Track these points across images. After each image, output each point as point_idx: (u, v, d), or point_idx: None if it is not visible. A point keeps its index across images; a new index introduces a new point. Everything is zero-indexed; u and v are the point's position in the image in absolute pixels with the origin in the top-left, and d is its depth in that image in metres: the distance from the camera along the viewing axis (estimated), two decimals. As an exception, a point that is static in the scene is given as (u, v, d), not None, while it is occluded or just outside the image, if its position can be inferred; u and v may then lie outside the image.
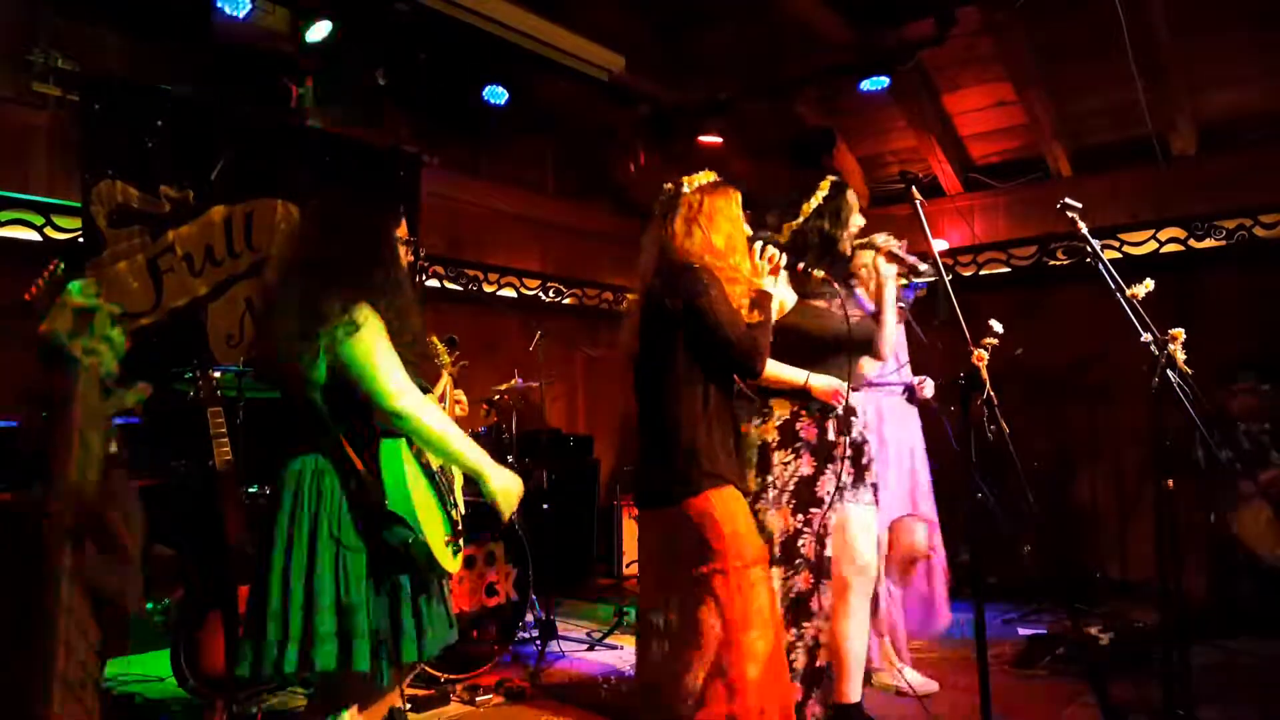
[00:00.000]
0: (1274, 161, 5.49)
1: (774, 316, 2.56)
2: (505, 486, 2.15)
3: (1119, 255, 5.96)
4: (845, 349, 2.92)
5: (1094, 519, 5.97)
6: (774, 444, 2.91)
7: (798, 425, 2.93)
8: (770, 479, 2.89)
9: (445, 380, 2.73)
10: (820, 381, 2.90)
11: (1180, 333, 2.88)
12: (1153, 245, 5.95)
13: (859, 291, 3.37)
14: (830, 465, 2.94)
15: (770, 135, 6.65)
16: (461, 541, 2.23)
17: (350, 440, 2.04)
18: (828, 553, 2.90)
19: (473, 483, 2.19)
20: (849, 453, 3.00)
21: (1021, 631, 4.72)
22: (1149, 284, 2.94)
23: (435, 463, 2.20)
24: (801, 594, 2.85)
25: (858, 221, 3.07)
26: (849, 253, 3.11)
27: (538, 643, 4.29)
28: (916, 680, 3.64)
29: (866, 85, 5.76)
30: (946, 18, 5.31)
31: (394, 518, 1.98)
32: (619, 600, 5.13)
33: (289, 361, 2.07)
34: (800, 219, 3.01)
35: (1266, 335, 5.35)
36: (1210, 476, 4.85)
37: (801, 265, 2.77)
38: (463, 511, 2.27)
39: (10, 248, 4.34)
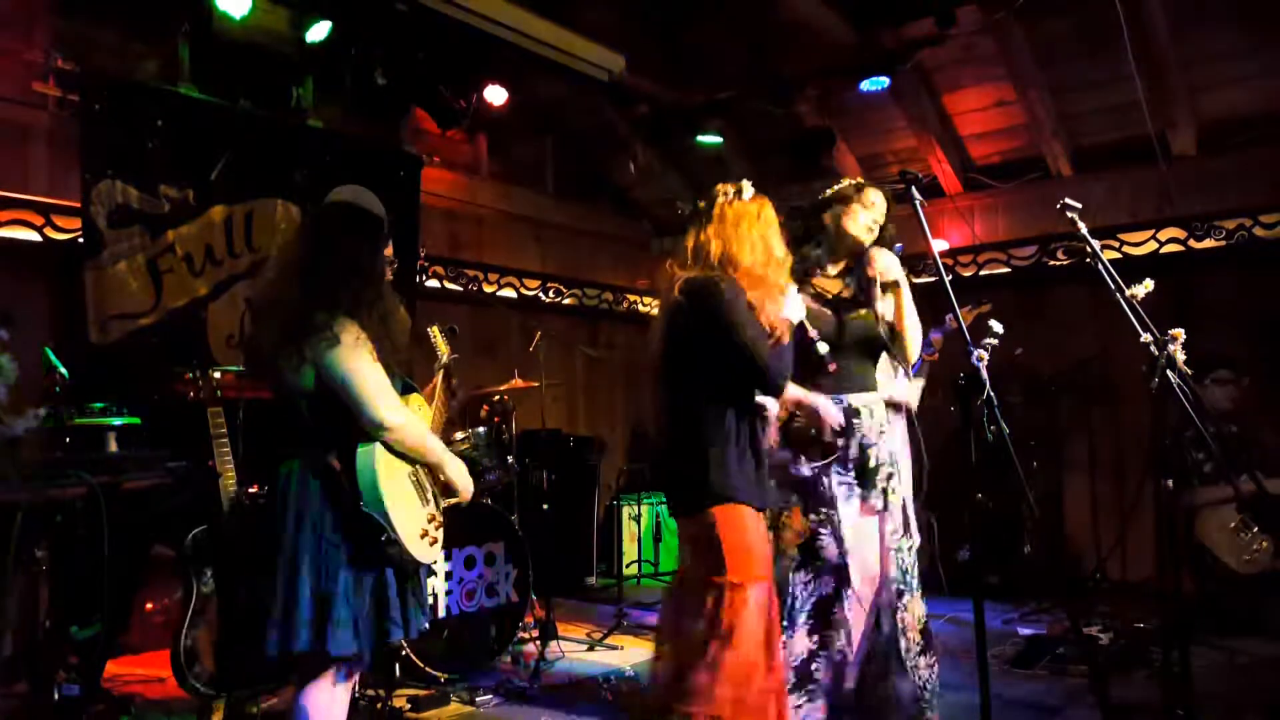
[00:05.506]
0: (1274, 161, 5.48)
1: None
2: (459, 471, 2.44)
3: (1119, 255, 5.95)
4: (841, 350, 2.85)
5: (1093, 519, 5.97)
6: (773, 448, 2.82)
7: (794, 424, 2.87)
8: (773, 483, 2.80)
9: (437, 377, 2.77)
10: (812, 402, 2.81)
11: (1180, 333, 2.88)
12: (1153, 245, 5.95)
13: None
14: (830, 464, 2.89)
15: (770, 135, 6.65)
16: (440, 531, 2.40)
17: (330, 444, 2.23)
18: (848, 557, 2.81)
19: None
20: (848, 450, 2.88)
21: (1021, 631, 4.72)
22: (1149, 284, 2.94)
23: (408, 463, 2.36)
24: (825, 598, 2.79)
25: (868, 218, 2.91)
26: (864, 242, 2.94)
27: (538, 643, 4.29)
28: None
29: (866, 85, 5.77)
30: (946, 18, 5.32)
31: (367, 518, 2.18)
32: (619, 601, 5.13)
33: (276, 368, 2.26)
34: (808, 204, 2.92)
35: (1266, 335, 5.34)
36: (1183, 480, 4.83)
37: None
38: (442, 503, 2.43)
39: (10, 248, 4.34)
